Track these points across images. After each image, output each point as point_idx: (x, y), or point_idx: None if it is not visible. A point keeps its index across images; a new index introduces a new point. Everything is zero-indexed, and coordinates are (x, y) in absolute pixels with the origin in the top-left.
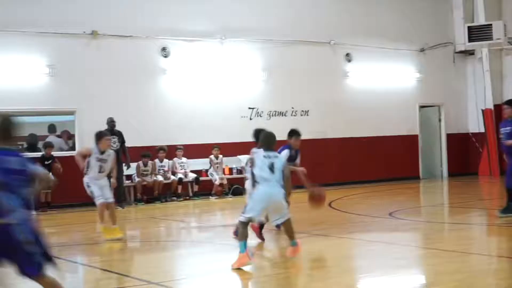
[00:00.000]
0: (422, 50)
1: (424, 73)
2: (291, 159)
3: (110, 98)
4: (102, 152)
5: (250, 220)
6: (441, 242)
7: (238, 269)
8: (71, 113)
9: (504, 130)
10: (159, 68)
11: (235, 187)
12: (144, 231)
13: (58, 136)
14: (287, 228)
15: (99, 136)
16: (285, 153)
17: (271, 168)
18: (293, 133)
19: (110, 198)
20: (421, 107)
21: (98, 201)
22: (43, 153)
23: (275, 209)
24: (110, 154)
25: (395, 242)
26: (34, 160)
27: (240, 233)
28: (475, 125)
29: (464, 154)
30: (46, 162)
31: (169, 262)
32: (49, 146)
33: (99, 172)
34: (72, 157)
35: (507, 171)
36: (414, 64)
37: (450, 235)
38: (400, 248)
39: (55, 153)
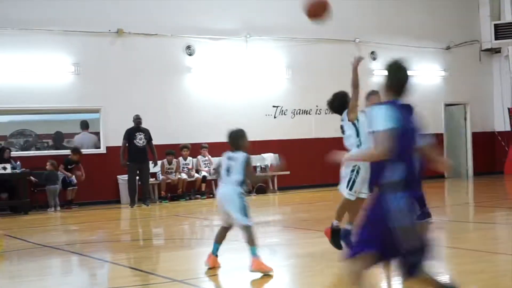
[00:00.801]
0: (448, 48)
1: (449, 71)
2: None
3: (135, 96)
4: None
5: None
6: (466, 241)
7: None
8: (97, 111)
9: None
10: (184, 67)
11: (258, 186)
12: (168, 229)
13: (91, 133)
14: (245, 236)
15: None
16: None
17: (228, 170)
18: (371, 92)
19: None
20: (447, 105)
21: None
22: (69, 156)
23: (226, 211)
24: None
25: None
26: (58, 161)
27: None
28: (501, 123)
29: (490, 153)
30: (69, 166)
31: (193, 260)
32: (76, 152)
33: None
34: (96, 155)
35: None
36: (439, 62)
37: (475, 235)
38: None
39: (87, 151)
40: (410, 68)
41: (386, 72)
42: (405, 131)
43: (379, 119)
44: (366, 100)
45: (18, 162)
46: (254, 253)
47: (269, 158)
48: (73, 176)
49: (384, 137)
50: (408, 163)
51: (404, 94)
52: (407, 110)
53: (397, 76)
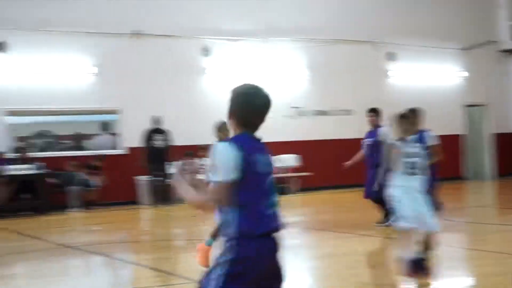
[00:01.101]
0: (467, 48)
1: (468, 72)
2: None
3: (153, 97)
4: None
5: None
6: (487, 243)
7: None
8: (116, 112)
9: (367, 141)
10: (202, 68)
11: (280, 187)
12: (187, 230)
13: (111, 134)
14: None
15: None
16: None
17: None
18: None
19: None
20: (466, 106)
21: None
22: (93, 163)
23: None
24: None
25: (440, 243)
26: (77, 162)
27: None
28: None
29: (510, 154)
30: (90, 171)
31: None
32: (100, 159)
33: None
34: (115, 156)
35: (366, 182)
36: (458, 63)
37: (496, 237)
38: (445, 249)
39: (107, 152)
40: (264, 94)
41: (232, 99)
42: (251, 177)
43: (216, 163)
44: (395, 124)
45: (38, 163)
46: (207, 243)
47: (288, 159)
48: (94, 179)
49: (216, 188)
50: (255, 213)
51: (256, 127)
52: (258, 146)
53: (247, 103)
